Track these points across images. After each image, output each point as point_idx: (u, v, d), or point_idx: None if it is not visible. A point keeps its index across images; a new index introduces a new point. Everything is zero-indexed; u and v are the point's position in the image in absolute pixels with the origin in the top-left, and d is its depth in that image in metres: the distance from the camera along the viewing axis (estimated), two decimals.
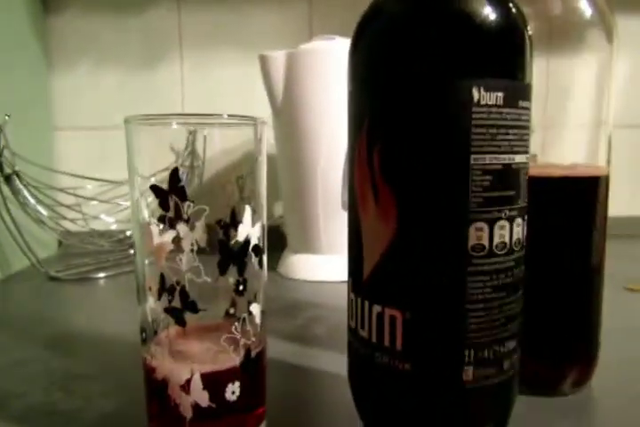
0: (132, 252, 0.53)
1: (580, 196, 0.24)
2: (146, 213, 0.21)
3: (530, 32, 0.19)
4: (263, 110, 0.48)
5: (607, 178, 0.25)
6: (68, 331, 0.36)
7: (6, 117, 0.48)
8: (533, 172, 0.20)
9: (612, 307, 0.27)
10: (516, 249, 0.18)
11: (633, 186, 0.68)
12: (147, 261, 0.21)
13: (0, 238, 0.48)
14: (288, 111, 0.45)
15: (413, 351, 0.18)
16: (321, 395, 0.26)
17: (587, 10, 0.23)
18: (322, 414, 0.25)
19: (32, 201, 0.49)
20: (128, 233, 0.54)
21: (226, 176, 0.22)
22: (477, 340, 0.18)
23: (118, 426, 0.23)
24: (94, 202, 0.53)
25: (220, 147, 0.23)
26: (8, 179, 0.47)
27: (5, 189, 0.47)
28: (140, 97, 0.61)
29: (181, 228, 0.20)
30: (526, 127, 0.18)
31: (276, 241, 0.51)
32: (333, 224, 0.45)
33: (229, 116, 0.22)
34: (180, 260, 0.19)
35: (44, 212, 0.50)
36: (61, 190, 0.52)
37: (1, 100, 0.50)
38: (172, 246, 0.20)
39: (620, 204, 0.65)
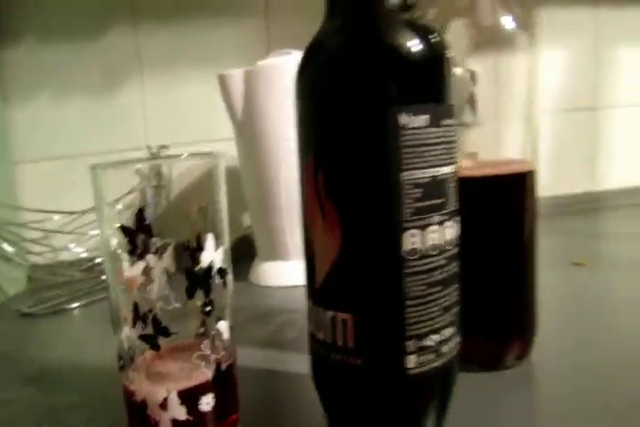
0: (103, 278, 0.54)
1: (508, 191, 0.28)
2: (115, 243, 0.22)
3: (449, 56, 0.21)
4: (226, 127, 0.50)
5: (532, 172, 0.29)
6: (47, 366, 0.36)
7: None
8: (466, 173, 0.23)
9: (558, 282, 0.30)
10: (448, 248, 0.21)
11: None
12: (119, 293, 0.22)
13: None
14: (249, 127, 0.47)
15: (363, 348, 0.21)
16: (294, 396, 0.28)
17: (510, 21, 0.28)
18: (294, 414, 0.27)
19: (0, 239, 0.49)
20: (98, 260, 0.55)
21: (190, 203, 0.23)
22: (417, 331, 0.20)
23: None
24: (60, 234, 0.53)
25: (183, 176, 0.25)
26: None
27: None
28: (102, 123, 0.62)
29: (150, 258, 0.21)
30: (451, 142, 0.21)
31: (248, 250, 0.52)
32: (298, 230, 0.47)
33: (190, 155, 0.24)
34: (151, 289, 0.21)
35: (9, 248, 0.50)
36: (25, 226, 0.53)
37: None
38: (142, 278, 0.21)
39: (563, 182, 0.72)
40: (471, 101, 0.28)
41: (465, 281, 0.22)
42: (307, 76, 0.22)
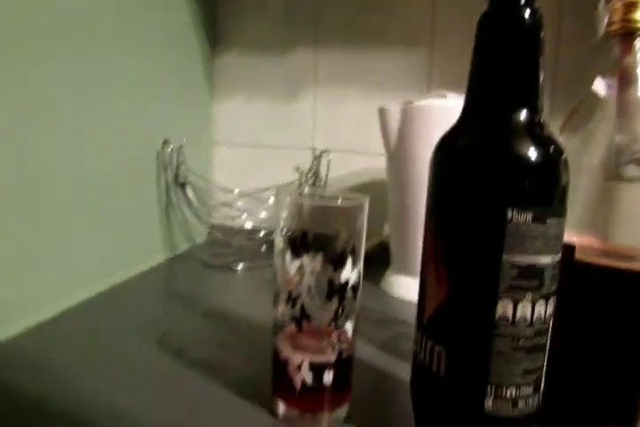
0: (262, 249, 0.67)
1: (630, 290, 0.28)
2: (283, 244, 0.31)
3: (563, 163, 0.25)
4: (379, 144, 0.57)
5: None
6: (215, 309, 0.49)
7: (184, 141, 0.63)
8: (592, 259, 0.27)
9: None
10: (537, 323, 0.25)
11: None
12: (281, 279, 0.31)
13: (172, 229, 0.65)
14: (399, 157, 0.53)
15: (452, 380, 0.26)
16: (395, 392, 0.35)
17: None
18: (393, 408, 0.34)
19: (195, 202, 0.64)
20: (261, 233, 0.68)
21: (338, 229, 0.31)
22: (497, 381, 0.25)
23: (253, 385, 0.35)
24: (239, 204, 0.67)
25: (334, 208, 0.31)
26: (182, 186, 0.63)
27: (179, 194, 0.63)
28: (279, 122, 0.74)
29: (305, 261, 0.30)
30: (554, 237, 0.24)
31: (384, 256, 0.58)
32: None
33: (343, 197, 0.31)
34: (302, 285, 0.30)
35: (200, 207, 0.65)
36: (212, 194, 0.67)
37: (178, 125, 0.65)
38: (297, 275, 0.30)
39: None
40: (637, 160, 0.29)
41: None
42: (440, 161, 0.27)
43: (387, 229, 0.58)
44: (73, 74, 0.46)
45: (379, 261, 0.58)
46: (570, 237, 0.31)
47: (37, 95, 0.42)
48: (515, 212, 0.24)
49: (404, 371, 0.35)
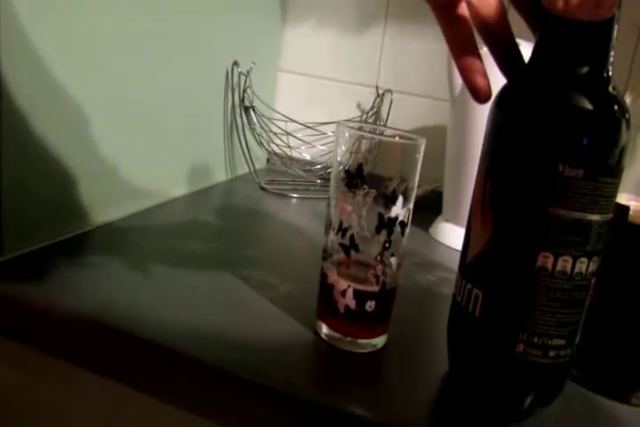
0: (318, 181, 0.68)
1: None
2: (341, 175, 0.32)
3: (623, 124, 0.23)
4: (444, 91, 0.55)
5: None
6: (270, 231, 0.52)
7: (252, 65, 0.63)
8: None
9: None
10: (576, 278, 0.25)
11: None
12: (333, 207, 0.33)
13: (233, 151, 0.67)
14: (462, 103, 0.51)
15: (486, 321, 0.27)
16: (431, 331, 0.37)
17: None
18: (428, 340, 0.36)
19: (258, 127, 0.66)
20: (317, 166, 0.69)
21: (392, 169, 0.31)
22: (529, 328, 0.26)
23: (299, 303, 0.38)
24: (299, 135, 0.68)
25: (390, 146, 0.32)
26: (247, 110, 0.64)
27: (243, 117, 0.64)
28: (344, 56, 0.72)
29: (359, 195, 0.31)
30: (605, 195, 0.24)
31: (435, 203, 0.59)
32: None
33: (400, 135, 0.32)
34: (353, 217, 0.31)
35: (262, 133, 0.66)
36: (274, 122, 0.68)
37: (248, 48, 0.65)
38: (350, 207, 0.32)
39: None
40: None
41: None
42: (500, 107, 0.27)
43: (441, 178, 0.57)
44: None
45: (429, 208, 0.59)
46: (628, 199, 0.31)
47: (113, 12, 0.43)
48: (567, 166, 0.23)
49: (441, 313, 0.36)
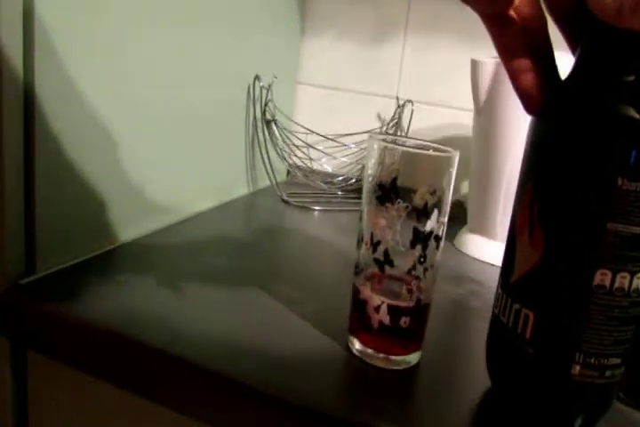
0: (339, 193, 0.68)
1: None
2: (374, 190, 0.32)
3: None
4: (467, 98, 0.54)
5: None
6: (293, 243, 0.52)
7: (274, 78, 0.64)
8: None
9: None
10: (633, 295, 0.24)
11: None
12: (366, 222, 0.32)
13: (255, 165, 0.67)
14: (488, 113, 0.50)
15: (538, 343, 0.26)
16: (466, 344, 0.36)
17: None
18: (463, 357, 0.35)
19: (280, 141, 0.66)
20: (339, 178, 0.69)
21: (424, 181, 0.31)
22: (587, 349, 0.25)
23: (329, 319, 0.37)
24: (320, 147, 0.68)
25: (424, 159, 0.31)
26: (268, 124, 0.64)
27: (265, 131, 0.65)
28: (364, 67, 0.72)
29: (392, 210, 0.31)
30: None
31: (459, 214, 0.56)
32: (509, 219, 0.50)
33: (434, 149, 0.31)
34: (387, 231, 0.31)
35: (283, 146, 0.67)
36: (295, 134, 0.68)
37: (269, 61, 0.65)
38: (384, 221, 0.31)
39: None
40: None
41: None
42: (549, 122, 0.26)
43: (464, 188, 0.56)
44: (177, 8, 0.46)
45: (452, 219, 0.58)
46: None
47: (138, 24, 0.44)
48: (625, 179, 0.23)
49: (473, 329, 0.36)
